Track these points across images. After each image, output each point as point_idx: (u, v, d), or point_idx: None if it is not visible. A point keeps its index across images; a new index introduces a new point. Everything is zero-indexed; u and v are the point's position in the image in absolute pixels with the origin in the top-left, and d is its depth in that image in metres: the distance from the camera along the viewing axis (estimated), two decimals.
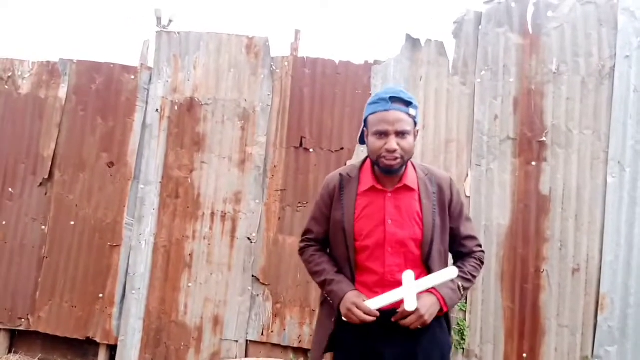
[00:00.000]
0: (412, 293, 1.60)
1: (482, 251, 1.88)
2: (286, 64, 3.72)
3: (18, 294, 3.83)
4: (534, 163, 3.36)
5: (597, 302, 3.20)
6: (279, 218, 3.65)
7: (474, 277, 1.79)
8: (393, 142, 1.61)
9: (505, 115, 3.44)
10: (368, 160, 1.80)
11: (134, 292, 3.72)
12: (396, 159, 1.62)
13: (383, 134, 1.63)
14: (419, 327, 1.61)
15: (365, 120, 1.74)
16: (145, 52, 3.93)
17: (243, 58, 3.76)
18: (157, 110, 3.81)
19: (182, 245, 3.72)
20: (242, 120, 3.74)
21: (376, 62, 3.65)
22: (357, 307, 1.62)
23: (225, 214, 3.70)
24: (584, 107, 3.33)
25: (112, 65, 3.85)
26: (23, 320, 3.82)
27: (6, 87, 3.94)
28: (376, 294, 1.68)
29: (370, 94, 3.63)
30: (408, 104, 1.66)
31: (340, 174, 1.85)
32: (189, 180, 3.76)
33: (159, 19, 3.88)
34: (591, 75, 3.33)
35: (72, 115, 3.88)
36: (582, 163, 3.31)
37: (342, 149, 3.63)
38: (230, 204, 3.71)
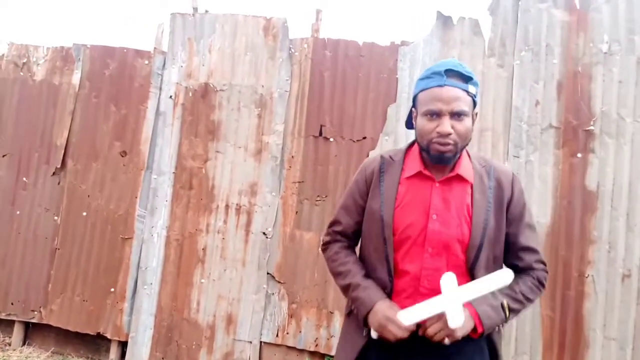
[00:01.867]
0: (455, 304, 1.35)
1: (545, 270, 1.56)
2: (305, 46, 3.53)
3: (31, 285, 3.83)
4: (579, 155, 3.06)
5: None
6: (296, 212, 3.49)
7: (528, 300, 1.49)
8: (447, 124, 1.38)
9: (548, 100, 3.14)
10: (416, 144, 1.57)
11: (145, 287, 3.65)
12: (449, 144, 1.40)
13: (435, 114, 1.41)
14: (445, 341, 1.36)
15: (414, 99, 1.52)
16: (159, 36, 3.83)
17: (260, 40, 3.60)
18: (170, 96, 3.71)
19: (195, 239, 3.62)
20: (258, 107, 3.58)
21: (403, 43, 3.42)
22: (392, 322, 1.39)
23: (240, 206, 3.57)
24: (639, 91, 3.01)
25: (125, 50, 3.77)
26: (36, 312, 3.81)
27: (21, 73, 3.93)
28: (408, 303, 1.44)
29: (397, 78, 3.41)
30: (467, 79, 1.43)
31: (382, 156, 1.62)
32: (203, 170, 3.64)
33: (195, 9, 3.75)
34: None
35: (85, 103, 3.83)
36: (636, 155, 2.97)
37: (364, 138, 3.42)
38: (245, 196, 3.57)
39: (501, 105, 3.23)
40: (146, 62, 3.74)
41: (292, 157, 3.53)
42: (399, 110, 3.39)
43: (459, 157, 1.49)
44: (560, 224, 3.06)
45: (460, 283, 1.40)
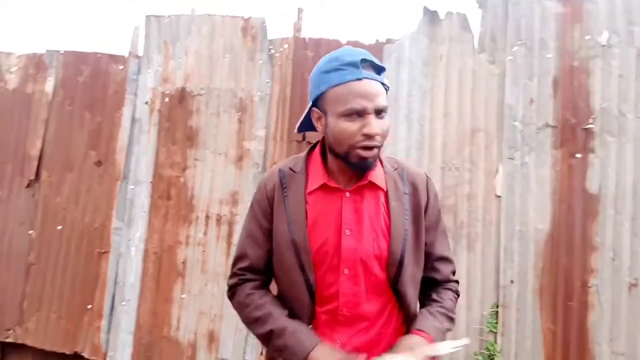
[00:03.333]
0: None
1: (457, 281, 1.47)
2: (286, 46, 3.38)
3: (6, 303, 3.69)
4: (578, 155, 2.87)
5: None
6: None
7: (453, 319, 1.39)
8: (375, 124, 1.18)
9: (543, 98, 2.97)
10: (317, 149, 1.38)
11: (123, 303, 3.50)
12: (375, 147, 1.21)
13: (357, 114, 1.19)
14: None
15: (320, 97, 1.26)
16: (135, 40, 3.70)
17: (239, 42, 3.46)
18: (146, 102, 3.57)
19: (175, 252, 3.46)
20: (238, 111, 3.43)
21: (389, 41, 3.26)
22: None
23: (221, 217, 3.41)
24: None
25: (98, 55, 3.65)
26: (11, 331, 3.68)
27: None
28: (327, 333, 1.29)
29: None
30: (381, 69, 1.25)
31: (280, 169, 1.39)
32: (182, 179, 3.50)
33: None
34: None
35: (59, 111, 3.70)
36: (639, 154, 2.80)
37: None
38: (226, 205, 3.41)
39: (493, 104, 3.06)
40: (121, 67, 3.60)
41: (275, 163, 3.37)
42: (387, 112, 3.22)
43: None
44: (560, 229, 2.87)
45: (384, 302, 1.30)
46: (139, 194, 3.54)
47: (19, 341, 3.65)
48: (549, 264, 2.86)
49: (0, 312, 3.70)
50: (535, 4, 3.01)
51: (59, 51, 3.72)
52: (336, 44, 3.32)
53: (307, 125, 1.40)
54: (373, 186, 1.32)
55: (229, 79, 3.46)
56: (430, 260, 1.39)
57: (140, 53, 3.65)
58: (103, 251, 3.54)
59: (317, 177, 1.33)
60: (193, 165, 3.48)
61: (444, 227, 1.44)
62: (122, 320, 3.48)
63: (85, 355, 3.52)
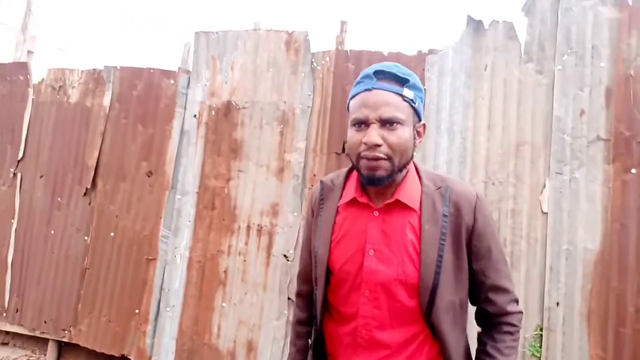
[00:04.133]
0: None
1: (520, 311, 1.32)
2: (327, 59, 3.42)
3: (62, 304, 3.94)
4: (633, 170, 2.69)
5: None
6: None
7: None
8: (373, 134, 1.16)
9: (595, 109, 2.82)
10: None
11: (168, 309, 3.63)
12: (380, 159, 1.17)
13: (362, 123, 1.19)
14: None
15: (348, 110, 1.30)
16: (186, 55, 3.88)
17: (282, 55, 3.54)
18: (194, 115, 3.72)
19: (217, 261, 3.56)
20: (281, 124, 3.51)
21: (431, 52, 3.22)
22: None
23: (262, 227, 3.48)
24: None
25: (152, 71, 3.85)
26: (66, 331, 3.92)
27: (57, 96, 4.12)
28: (347, 354, 1.27)
29: (424, 90, 3.21)
30: (403, 81, 1.21)
31: (322, 181, 1.42)
32: (226, 190, 3.60)
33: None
34: None
35: (114, 123, 3.94)
36: None
37: None
38: (267, 216, 3.48)
39: (541, 115, 2.94)
40: (172, 81, 3.78)
41: (314, 175, 3.40)
42: (428, 125, 3.17)
43: (404, 178, 1.26)
44: (612, 250, 2.69)
45: (412, 333, 1.22)
46: (185, 203, 3.68)
47: (73, 341, 3.87)
48: (598, 286, 2.68)
49: (58, 313, 3.95)
50: (588, 10, 2.87)
51: (115, 67, 3.97)
52: (378, 56, 3.32)
53: None
54: (404, 206, 1.26)
55: (272, 92, 3.54)
56: (483, 290, 1.30)
57: (190, 68, 3.81)
58: (151, 258, 3.71)
59: (350, 191, 1.33)
60: (237, 176, 3.58)
61: (500, 254, 1.31)
62: (166, 325, 3.62)
63: (132, 358, 3.68)
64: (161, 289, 3.67)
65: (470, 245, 1.27)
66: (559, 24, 2.93)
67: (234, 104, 3.62)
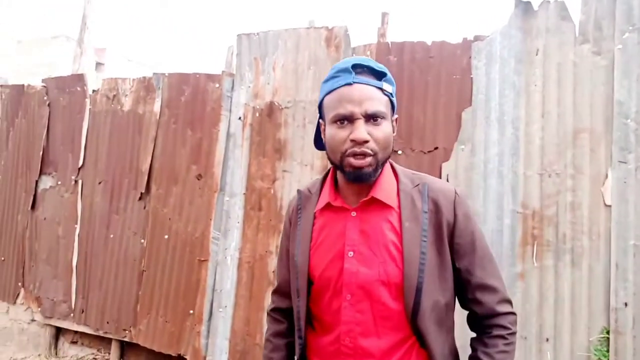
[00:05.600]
0: None
1: (512, 312, 1.24)
2: (368, 53, 3.35)
3: (122, 305, 4.12)
4: None
5: None
6: None
7: None
8: (362, 129, 1.13)
9: None
10: (332, 169, 1.32)
11: (220, 310, 3.71)
12: (368, 155, 1.14)
13: (346, 120, 1.15)
14: None
15: (320, 108, 1.26)
16: (230, 58, 3.94)
17: (322, 53, 3.51)
18: (239, 118, 3.77)
19: (265, 262, 3.59)
20: None
21: (477, 38, 3.07)
22: None
23: None
24: None
25: (197, 75, 3.93)
26: (127, 331, 4.10)
27: (112, 105, 4.31)
28: None
29: (472, 78, 3.07)
30: (380, 75, 1.18)
31: (299, 190, 1.40)
32: (272, 191, 3.63)
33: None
34: None
35: (165, 129, 4.06)
36: None
37: (436, 148, 3.12)
38: None
39: (600, 100, 2.73)
40: (217, 85, 3.85)
41: None
42: (476, 115, 3.04)
43: (379, 174, 1.20)
44: None
45: (398, 339, 1.16)
46: (233, 205, 3.74)
47: (134, 341, 4.05)
48: None
49: (119, 313, 4.14)
50: None
51: (164, 74, 4.09)
52: (420, 46, 3.22)
53: (319, 140, 1.36)
54: (382, 204, 1.21)
55: (313, 90, 3.52)
56: (470, 290, 1.23)
57: (234, 71, 3.87)
58: (203, 259, 3.80)
59: (325, 196, 1.28)
60: (282, 176, 3.59)
61: (486, 251, 1.25)
62: (219, 326, 3.69)
63: (188, 358, 3.79)
64: (213, 289, 3.75)
65: (453, 243, 1.21)
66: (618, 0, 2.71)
67: (276, 104, 3.63)
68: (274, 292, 1.48)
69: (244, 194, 3.72)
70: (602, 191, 2.67)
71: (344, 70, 1.18)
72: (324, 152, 1.28)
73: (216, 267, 3.76)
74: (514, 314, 1.24)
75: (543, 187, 2.83)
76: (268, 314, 1.50)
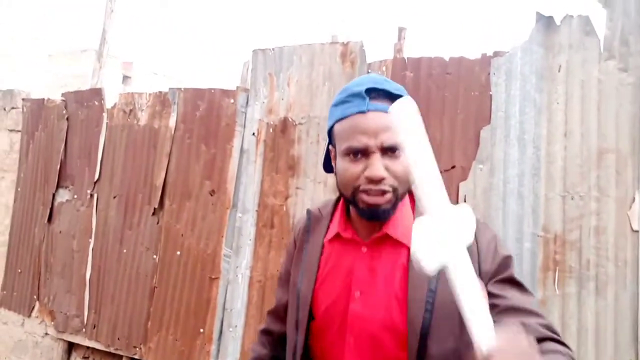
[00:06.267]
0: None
1: (560, 342, 0.98)
2: (384, 68, 3.28)
3: (134, 322, 4.09)
4: None
5: None
6: None
7: None
8: (378, 165, 1.02)
9: None
10: None
11: (230, 329, 3.64)
12: (386, 192, 1.03)
13: (360, 153, 1.05)
14: None
15: (330, 133, 1.17)
16: (245, 74, 3.92)
17: (338, 68, 3.45)
18: (253, 133, 3.73)
19: (276, 281, 3.52)
20: None
21: (497, 54, 2.97)
22: None
23: None
24: None
25: (212, 91, 3.92)
26: (137, 349, 4.06)
27: (128, 120, 4.33)
28: None
29: (490, 95, 2.97)
30: (397, 98, 1.02)
31: (308, 211, 1.31)
32: (284, 208, 3.56)
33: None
34: None
35: (179, 144, 4.05)
36: None
37: (453, 167, 3.02)
38: None
39: (626, 119, 2.60)
40: (231, 100, 3.83)
41: None
42: (495, 133, 2.93)
43: (396, 208, 1.09)
44: None
45: None
46: (246, 222, 3.69)
47: (144, 358, 4.00)
48: None
49: (130, 330, 4.10)
50: None
51: (180, 88, 4.09)
52: (438, 62, 3.13)
53: (328, 164, 1.28)
54: (395, 241, 1.10)
55: (328, 106, 3.45)
56: (497, 314, 1.00)
57: (249, 86, 3.84)
58: (214, 277, 3.74)
59: (335, 225, 1.19)
60: (294, 193, 3.53)
61: (513, 278, 1.10)
62: (229, 346, 3.62)
63: None
64: (224, 308, 3.69)
65: (480, 272, 1.05)
66: None
67: (290, 120, 3.58)
68: (269, 312, 1.42)
69: (257, 210, 3.66)
70: (629, 215, 2.53)
71: (357, 96, 1.07)
72: None
73: (227, 286, 3.70)
74: (564, 344, 0.99)
75: (566, 209, 2.70)
76: (259, 332, 1.43)
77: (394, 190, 1.05)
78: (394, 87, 1.11)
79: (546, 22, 2.84)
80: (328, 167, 1.27)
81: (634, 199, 2.53)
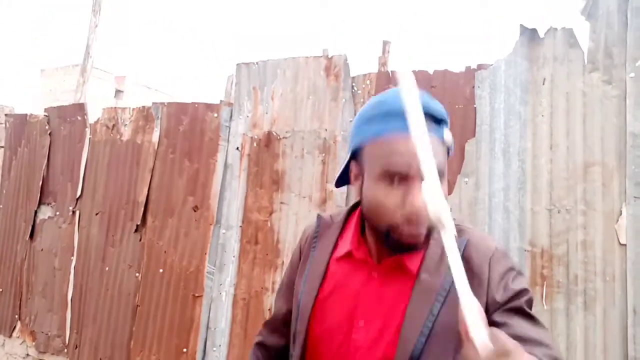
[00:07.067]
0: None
1: None
2: (368, 82, 3.25)
3: (116, 342, 3.98)
4: None
5: None
6: None
7: None
8: (419, 198, 0.87)
9: None
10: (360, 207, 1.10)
11: (214, 349, 3.55)
12: (424, 227, 0.94)
13: (401, 179, 0.93)
14: None
15: (357, 151, 1.03)
16: (229, 88, 3.88)
17: (322, 82, 3.42)
18: (237, 148, 3.68)
19: (261, 299, 3.44)
20: (322, 152, 3.36)
21: (481, 67, 2.95)
22: None
23: None
24: None
25: (196, 105, 3.87)
26: None
27: (111, 135, 4.26)
28: None
29: (475, 108, 2.94)
30: (441, 120, 0.97)
31: (319, 216, 1.20)
32: (269, 223, 3.50)
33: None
34: None
35: (162, 159, 3.99)
36: None
37: None
38: None
39: (612, 131, 2.57)
40: (215, 115, 3.78)
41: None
42: (480, 146, 2.90)
43: None
44: None
45: None
46: (229, 238, 3.62)
47: None
48: None
49: (112, 350, 3.99)
50: None
51: (163, 103, 4.04)
52: (422, 75, 3.10)
53: (344, 179, 1.16)
54: (406, 267, 1.02)
55: (312, 120, 3.42)
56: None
57: (233, 100, 3.80)
58: (197, 295, 3.66)
59: (347, 241, 1.10)
60: (279, 209, 3.47)
61: (524, 308, 0.98)
62: None
63: None
64: (207, 327, 3.60)
65: (486, 302, 0.96)
66: (630, 25, 2.57)
67: (274, 134, 3.53)
68: (265, 324, 1.35)
69: (240, 226, 3.59)
70: (616, 229, 2.49)
71: (397, 115, 0.92)
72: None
73: (210, 304, 3.62)
74: None
75: (552, 223, 2.66)
76: (254, 344, 1.35)
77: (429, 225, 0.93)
78: (437, 108, 0.98)
79: (530, 35, 2.82)
80: (342, 182, 1.17)
81: (620, 212, 2.49)
